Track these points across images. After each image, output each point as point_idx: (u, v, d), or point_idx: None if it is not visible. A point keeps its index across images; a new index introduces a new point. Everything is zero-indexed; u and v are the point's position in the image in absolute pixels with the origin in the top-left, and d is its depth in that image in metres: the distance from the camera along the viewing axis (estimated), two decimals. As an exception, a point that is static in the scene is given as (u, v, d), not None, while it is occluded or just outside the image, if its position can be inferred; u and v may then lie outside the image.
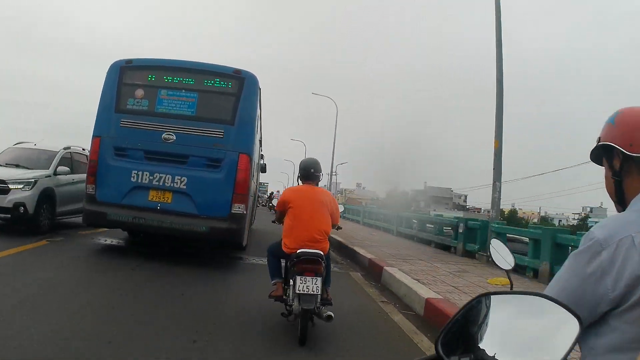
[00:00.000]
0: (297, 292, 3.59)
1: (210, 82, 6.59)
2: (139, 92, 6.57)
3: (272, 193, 39.46)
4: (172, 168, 6.27)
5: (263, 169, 13.51)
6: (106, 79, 6.67)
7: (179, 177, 6.23)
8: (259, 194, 36.46)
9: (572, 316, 0.90)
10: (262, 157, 13.24)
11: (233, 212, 6.20)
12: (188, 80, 6.58)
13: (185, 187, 6.22)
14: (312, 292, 3.59)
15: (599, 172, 1.27)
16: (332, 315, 3.68)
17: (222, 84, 6.60)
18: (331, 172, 31.07)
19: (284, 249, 3.97)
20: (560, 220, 76.93)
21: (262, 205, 26.36)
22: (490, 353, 0.87)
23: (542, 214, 79.57)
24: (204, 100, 6.52)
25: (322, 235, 3.97)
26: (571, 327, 0.89)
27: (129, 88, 6.60)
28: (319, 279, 3.67)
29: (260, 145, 12.05)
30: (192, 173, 6.25)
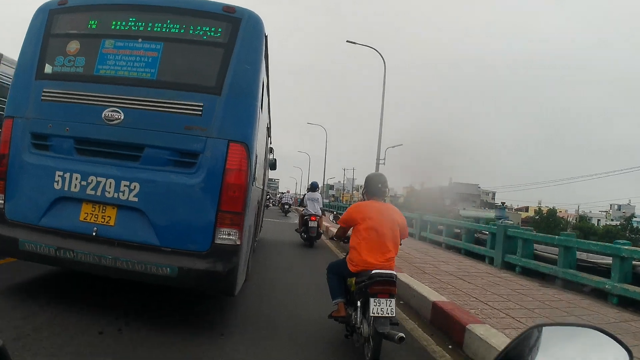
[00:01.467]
0: (372, 314, 3.41)
1: (184, 28, 3.99)
2: (73, 46, 4.06)
3: (282, 194, 36.49)
4: (117, 168, 3.75)
5: (272, 165, 10.85)
6: (28, 29, 4.21)
7: (127, 183, 3.70)
8: (269, 192, 33.90)
9: (624, 349, 0.92)
10: (271, 150, 10.53)
11: (218, 242, 3.64)
12: (149, 25, 4.03)
13: (136, 199, 3.68)
14: (386, 315, 3.43)
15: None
16: (404, 336, 3.39)
17: (204, 30, 3.98)
18: (378, 158, 25.69)
19: (350, 267, 3.82)
20: (599, 220, 72.83)
21: (273, 205, 22.67)
22: None
23: (580, 212, 75.56)
24: (172, 55, 3.95)
25: (393, 254, 3.80)
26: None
27: (59, 41, 4.11)
28: (393, 300, 3.51)
29: (269, 133, 8.93)
30: (148, 176, 3.71)
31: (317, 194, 12.18)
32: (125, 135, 3.77)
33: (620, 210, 72.63)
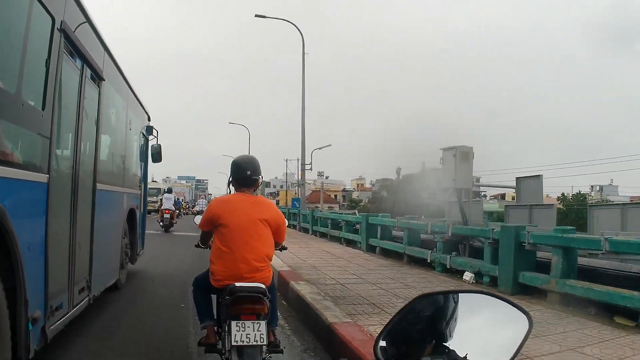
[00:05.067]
0: (234, 343, 2.63)
1: None
2: None
3: (198, 201, 28.51)
4: None
5: (156, 155, 8.38)
6: None
7: None
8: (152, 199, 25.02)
9: (523, 314, 0.93)
10: (150, 131, 8.17)
11: None
12: None
13: None
14: (254, 343, 2.64)
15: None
16: None
17: None
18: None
19: (212, 281, 3.01)
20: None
21: (177, 216, 18.29)
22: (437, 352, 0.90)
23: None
24: None
25: (263, 261, 3.00)
26: (521, 325, 0.91)
27: None
28: (263, 322, 2.72)
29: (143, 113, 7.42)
30: None
31: (171, 195, 17.91)
32: None
33: (602, 191, 63.65)
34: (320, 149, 31.99)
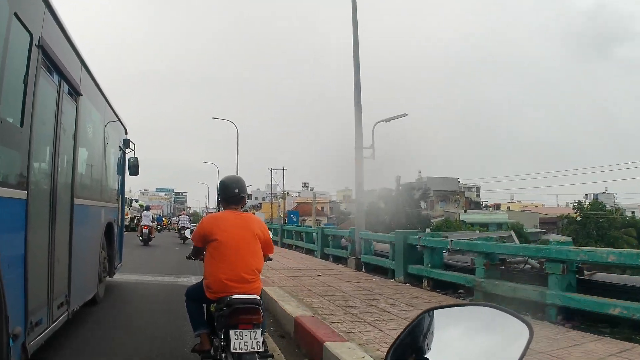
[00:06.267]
0: (233, 351, 2.88)
1: None
2: None
3: (180, 217, 27.26)
4: None
5: (133, 168, 8.31)
6: None
7: None
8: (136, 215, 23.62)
9: (523, 324, 0.93)
10: (127, 144, 8.14)
11: None
12: None
13: None
14: (251, 350, 2.90)
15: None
16: None
17: None
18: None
19: (207, 293, 3.23)
20: (633, 212, 54.78)
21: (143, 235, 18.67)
22: None
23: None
24: None
25: (254, 274, 3.24)
26: (522, 335, 0.91)
27: None
28: (259, 331, 2.97)
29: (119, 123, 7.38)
30: None
31: (149, 213, 20.41)
32: None
33: (597, 199, 59.56)
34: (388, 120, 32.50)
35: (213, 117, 22.48)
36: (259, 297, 3.10)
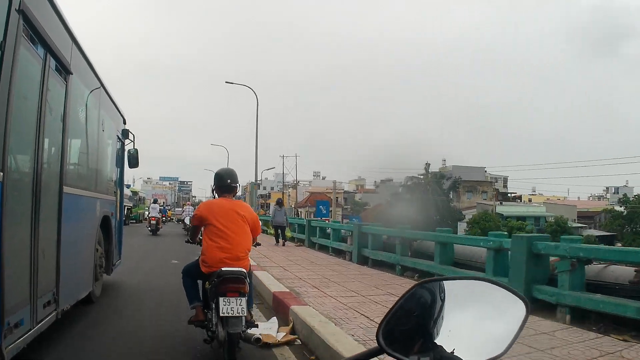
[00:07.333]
0: (221, 314, 3.37)
1: None
2: None
3: (184, 207, 26.60)
4: None
5: (133, 160, 7.93)
6: None
7: None
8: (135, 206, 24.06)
9: (520, 300, 0.92)
10: (126, 135, 7.79)
11: None
12: None
13: None
14: (237, 314, 3.38)
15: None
16: (261, 337, 3.72)
17: None
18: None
19: (202, 268, 3.75)
20: None
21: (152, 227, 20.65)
22: (436, 339, 0.89)
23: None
24: None
25: (244, 252, 3.78)
26: (518, 311, 0.91)
27: None
28: (244, 299, 3.46)
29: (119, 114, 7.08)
30: None
31: (156, 205, 22.77)
32: None
33: (617, 193, 57.86)
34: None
35: (226, 81, 22.85)
36: (245, 271, 3.60)
